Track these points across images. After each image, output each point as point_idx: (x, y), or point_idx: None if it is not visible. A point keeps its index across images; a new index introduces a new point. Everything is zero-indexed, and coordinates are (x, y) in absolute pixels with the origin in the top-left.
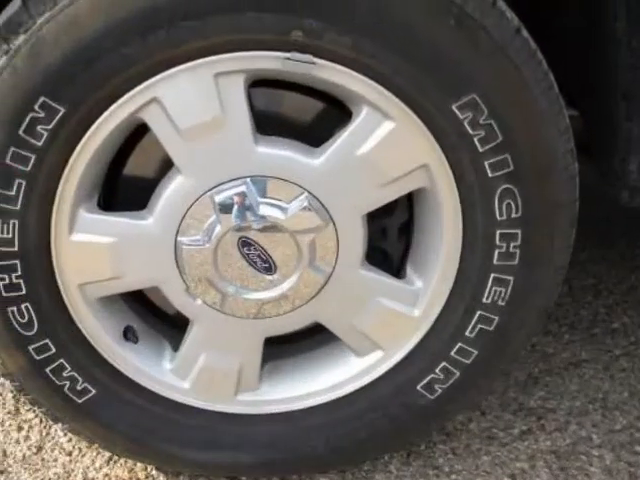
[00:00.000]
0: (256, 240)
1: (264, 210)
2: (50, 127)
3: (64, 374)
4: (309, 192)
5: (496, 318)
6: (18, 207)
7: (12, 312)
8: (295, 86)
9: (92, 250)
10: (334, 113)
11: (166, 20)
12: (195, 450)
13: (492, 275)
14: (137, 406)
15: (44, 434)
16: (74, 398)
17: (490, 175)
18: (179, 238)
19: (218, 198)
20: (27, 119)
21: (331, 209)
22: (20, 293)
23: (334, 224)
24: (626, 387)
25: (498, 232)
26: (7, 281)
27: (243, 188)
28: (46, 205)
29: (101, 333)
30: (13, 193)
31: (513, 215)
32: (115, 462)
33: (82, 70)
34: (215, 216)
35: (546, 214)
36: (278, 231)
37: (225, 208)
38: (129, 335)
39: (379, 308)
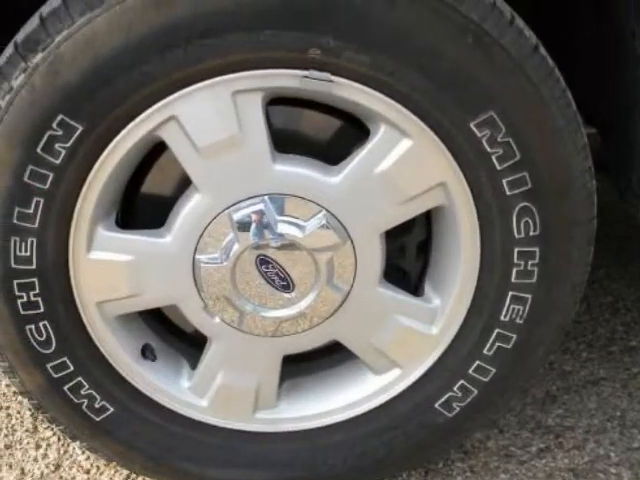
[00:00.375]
0: (274, 258)
1: (282, 228)
2: (68, 145)
3: (82, 392)
4: (327, 210)
5: (514, 336)
6: (36, 225)
7: (30, 330)
8: (313, 104)
9: (110, 268)
10: (352, 131)
11: (184, 38)
12: (213, 468)
13: (510, 293)
14: (155, 424)
15: (62, 452)
16: (92, 416)
17: (508, 193)
18: (197, 256)
19: (236, 216)
20: (45, 137)
21: (349, 227)
22: (38, 311)
23: (352, 242)
24: None
25: (516, 250)
26: (25, 299)
27: (261, 206)
28: (64, 223)
29: (119, 351)
30: (31, 211)
31: (531, 233)
32: None
33: (100, 88)
34: (233, 234)
35: (564, 232)
36: (296, 249)
37: (243, 226)
38: (147, 353)
39: (397, 326)
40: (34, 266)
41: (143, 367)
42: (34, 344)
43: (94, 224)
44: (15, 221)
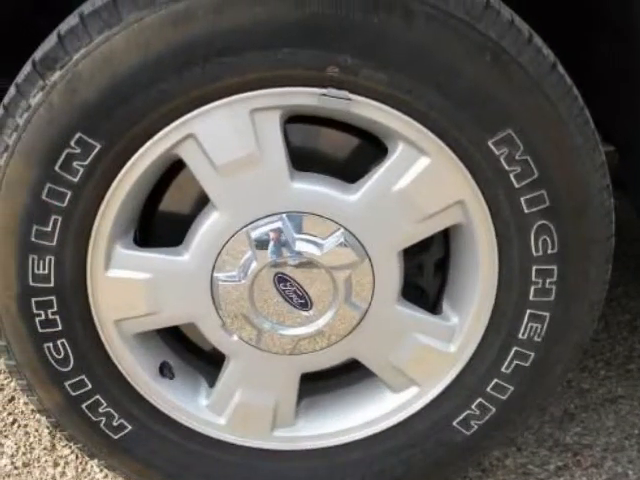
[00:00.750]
0: (292, 276)
1: (300, 246)
2: (86, 163)
3: (100, 410)
4: (345, 228)
5: (532, 354)
6: (54, 243)
7: (48, 348)
8: (331, 122)
9: (128, 286)
10: (370, 149)
11: (202, 56)
12: None
13: (528, 311)
14: (173, 442)
15: (80, 470)
16: (110, 434)
17: (526, 211)
18: (215, 274)
19: (254, 234)
20: (63, 155)
21: (367, 245)
22: (56, 329)
23: (370, 260)
24: None
25: (534, 268)
26: (43, 317)
27: (279, 224)
28: (82, 241)
29: (137, 369)
30: (49, 229)
31: (549, 251)
32: None
33: (118, 106)
34: (251, 252)
35: (582, 250)
36: (314, 267)
37: (261, 244)
38: (165, 371)
39: (415, 344)
40: (52, 284)
41: (161, 385)
42: (52, 362)
43: (112, 242)
44: (33, 239)
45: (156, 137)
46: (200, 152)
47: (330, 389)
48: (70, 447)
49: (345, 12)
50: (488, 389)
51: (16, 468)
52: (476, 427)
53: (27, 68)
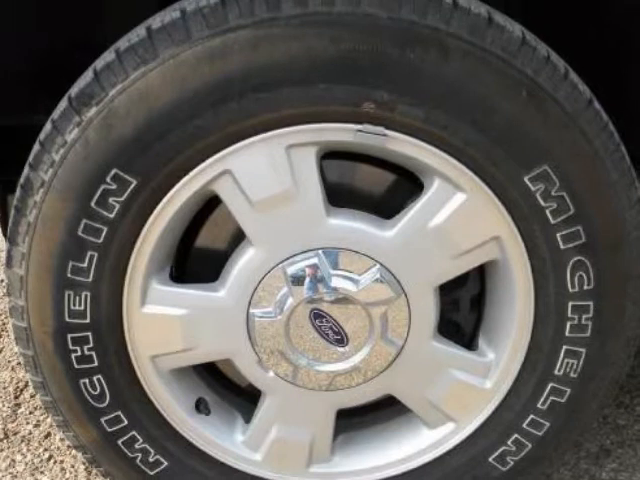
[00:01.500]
0: (328, 312)
1: (336, 282)
2: (122, 199)
3: (136, 446)
4: (381, 264)
5: (568, 390)
6: (90, 279)
7: (84, 384)
8: (366, 157)
9: (164, 322)
10: (405, 185)
11: (237, 92)
12: None
13: (564, 347)
14: (209, 478)
15: None
16: (146, 470)
17: (562, 247)
18: (251, 310)
19: (290, 270)
20: (99, 191)
21: (403, 281)
22: (92, 365)
23: (406, 296)
24: None
25: (570, 304)
26: (79, 353)
27: (315, 260)
28: (118, 277)
29: (173, 405)
30: (85, 265)
31: (585, 287)
32: None
33: (154, 142)
34: (287, 288)
35: (618, 286)
36: (350, 303)
37: (297, 280)
38: (201, 407)
39: (451, 380)
40: (88, 320)
41: (197, 421)
42: (88, 398)
43: (148, 278)
44: (69, 275)
45: (192, 173)
46: (236, 188)
47: (366, 425)
48: None
49: (381, 48)
50: (524, 425)
51: None
52: (512, 463)
53: (63, 104)
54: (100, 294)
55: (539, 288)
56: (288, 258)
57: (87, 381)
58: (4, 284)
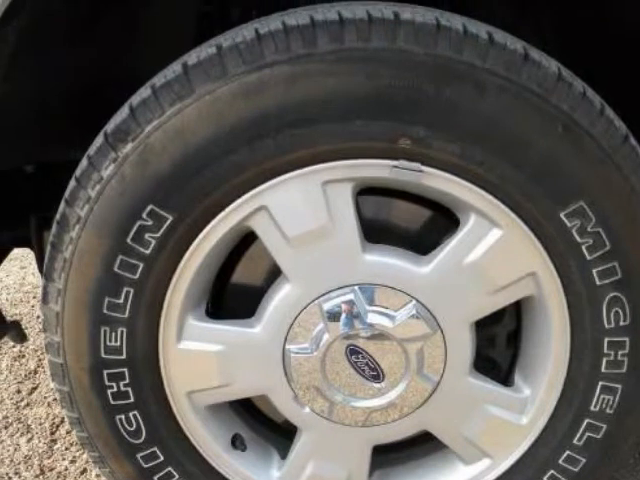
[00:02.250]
0: (364, 348)
1: (372, 318)
2: (158, 235)
3: None
4: (417, 300)
5: (604, 426)
6: (126, 315)
7: (120, 420)
8: (402, 193)
9: (200, 358)
10: (441, 220)
11: (273, 128)
12: None
13: (600, 383)
14: None
15: None
16: None
17: (598, 283)
18: (287, 346)
19: (326, 306)
20: (135, 227)
21: (439, 317)
22: (128, 401)
23: (442, 332)
24: None
25: (606, 340)
26: (115, 389)
27: (351, 296)
28: (154, 313)
29: (209, 441)
30: (121, 301)
31: (621, 323)
32: None
33: (190, 178)
34: (323, 324)
35: None
36: (386, 339)
37: (333, 316)
38: (237, 443)
39: (487, 416)
40: (124, 356)
41: (233, 457)
42: (124, 434)
43: (184, 314)
44: (105, 311)
45: (228, 209)
46: (272, 224)
47: (402, 461)
48: None
49: (417, 84)
50: (560, 461)
51: None
52: None
53: (99, 140)
54: (136, 330)
55: (575, 324)
56: (324, 294)
57: (123, 417)
58: (40, 320)
